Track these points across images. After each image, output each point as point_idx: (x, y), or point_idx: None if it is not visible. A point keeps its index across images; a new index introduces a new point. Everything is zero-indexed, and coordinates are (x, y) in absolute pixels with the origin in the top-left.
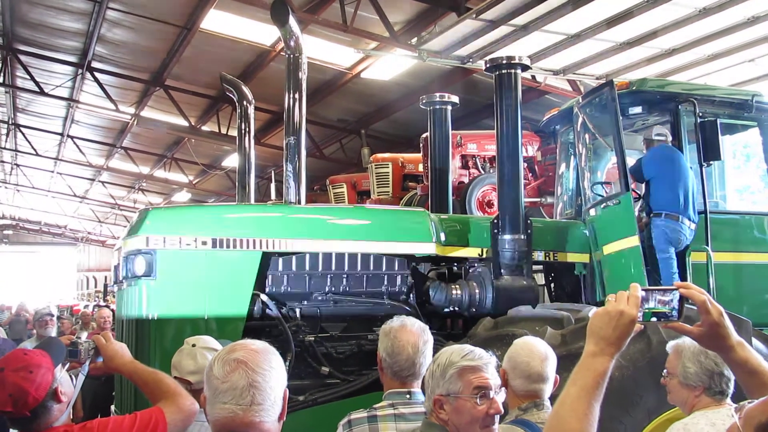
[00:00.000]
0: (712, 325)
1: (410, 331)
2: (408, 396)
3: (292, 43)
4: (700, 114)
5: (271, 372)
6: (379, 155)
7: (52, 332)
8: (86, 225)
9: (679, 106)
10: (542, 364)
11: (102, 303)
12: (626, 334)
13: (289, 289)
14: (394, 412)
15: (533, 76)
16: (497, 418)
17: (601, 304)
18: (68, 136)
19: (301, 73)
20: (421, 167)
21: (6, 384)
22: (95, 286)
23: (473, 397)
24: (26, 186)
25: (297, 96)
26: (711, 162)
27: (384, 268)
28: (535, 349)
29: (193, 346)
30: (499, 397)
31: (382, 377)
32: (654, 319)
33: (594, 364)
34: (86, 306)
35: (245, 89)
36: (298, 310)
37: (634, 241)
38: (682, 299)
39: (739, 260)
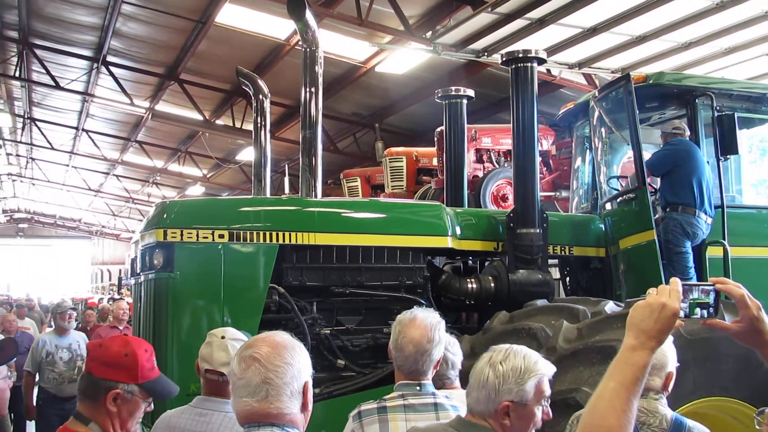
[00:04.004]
0: (751, 320)
1: (418, 326)
2: (418, 388)
3: (308, 37)
4: (718, 108)
5: (286, 368)
6: (393, 149)
7: (73, 326)
8: (100, 218)
9: (696, 100)
10: None
11: (117, 296)
12: (668, 328)
13: (305, 282)
14: (403, 403)
15: (548, 70)
16: None
17: (618, 298)
18: (83, 129)
19: (317, 67)
20: (435, 161)
21: (132, 346)
22: (109, 280)
23: (540, 405)
24: (41, 179)
25: (313, 90)
26: (728, 156)
27: (399, 262)
28: None
29: (222, 338)
30: None
31: (395, 366)
32: (698, 310)
33: (633, 358)
34: (101, 299)
35: (261, 83)
36: (314, 303)
37: (650, 235)
38: (718, 295)
39: (756, 255)
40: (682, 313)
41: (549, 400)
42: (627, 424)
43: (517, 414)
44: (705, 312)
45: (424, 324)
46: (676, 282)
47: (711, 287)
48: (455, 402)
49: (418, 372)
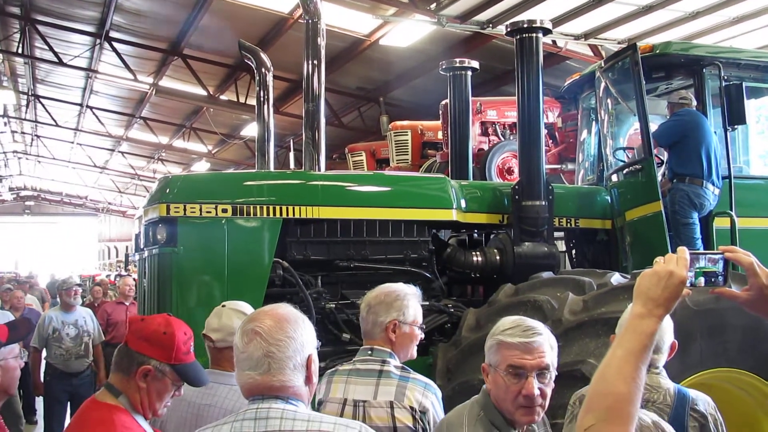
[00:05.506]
0: (760, 288)
1: (378, 290)
2: (369, 352)
3: (310, 9)
4: (725, 77)
5: (288, 341)
6: (398, 123)
7: (78, 302)
8: (107, 195)
9: (704, 70)
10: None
11: (123, 272)
12: (675, 296)
13: (309, 256)
14: (350, 368)
15: (554, 41)
16: (540, 400)
17: (624, 270)
18: (87, 106)
19: (319, 39)
20: (440, 135)
21: (172, 326)
22: (116, 256)
23: (506, 375)
24: (47, 157)
25: (316, 63)
26: (736, 126)
27: (404, 235)
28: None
29: (223, 306)
30: (545, 380)
31: None
32: (703, 279)
33: (641, 326)
34: (108, 275)
35: (264, 56)
36: (318, 278)
37: (656, 206)
38: (727, 264)
39: (763, 225)
40: (689, 282)
41: (539, 374)
42: (636, 390)
43: (491, 378)
44: (712, 280)
45: (387, 289)
46: (684, 250)
47: (719, 256)
48: (417, 375)
49: (368, 334)
